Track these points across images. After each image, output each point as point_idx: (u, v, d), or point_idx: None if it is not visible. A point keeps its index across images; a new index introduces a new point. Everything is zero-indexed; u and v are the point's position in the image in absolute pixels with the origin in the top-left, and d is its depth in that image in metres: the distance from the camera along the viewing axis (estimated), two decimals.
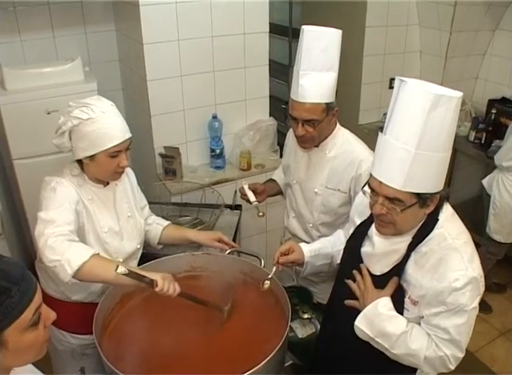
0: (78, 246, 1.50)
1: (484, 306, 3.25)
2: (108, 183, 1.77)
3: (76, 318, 1.76)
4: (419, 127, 1.22)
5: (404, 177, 1.27)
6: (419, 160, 1.25)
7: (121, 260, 1.76)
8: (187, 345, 1.58)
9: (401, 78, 1.27)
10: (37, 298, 0.95)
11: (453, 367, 1.40)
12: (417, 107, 1.22)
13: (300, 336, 1.79)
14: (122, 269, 1.40)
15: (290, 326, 1.68)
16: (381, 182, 1.31)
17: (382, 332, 1.40)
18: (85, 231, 1.68)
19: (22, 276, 0.93)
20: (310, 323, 1.83)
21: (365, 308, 1.42)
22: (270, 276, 1.69)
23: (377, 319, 1.40)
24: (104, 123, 1.60)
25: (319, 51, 1.77)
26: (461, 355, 1.39)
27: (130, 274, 1.42)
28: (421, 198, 1.30)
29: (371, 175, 1.36)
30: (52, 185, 1.62)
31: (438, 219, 1.38)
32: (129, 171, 1.92)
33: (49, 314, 1.00)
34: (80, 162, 1.68)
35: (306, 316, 1.83)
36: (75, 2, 2.90)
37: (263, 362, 1.36)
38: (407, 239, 1.40)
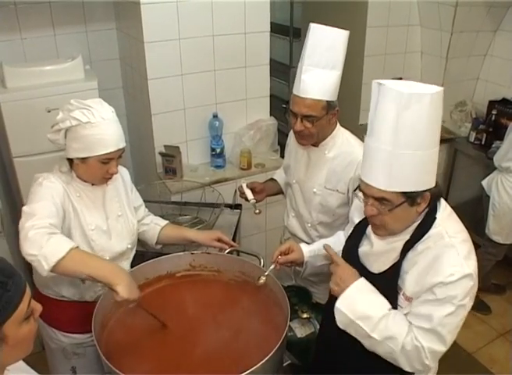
0: (56, 240, 1.47)
1: (483, 307, 3.25)
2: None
3: (68, 316, 1.77)
4: (393, 127, 1.25)
5: (387, 177, 1.29)
6: (399, 159, 1.27)
7: (107, 258, 1.75)
8: (186, 344, 1.58)
9: (378, 81, 1.30)
10: (28, 289, 0.97)
11: (428, 362, 1.34)
12: (390, 107, 1.25)
13: (299, 336, 1.79)
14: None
15: (289, 326, 1.67)
16: (367, 184, 1.34)
17: (364, 314, 1.37)
18: (71, 228, 1.67)
19: (13, 270, 0.95)
20: (309, 323, 1.83)
21: (347, 290, 1.40)
22: (266, 273, 1.69)
23: (359, 301, 1.39)
24: (102, 130, 1.60)
25: (325, 48, 1.78)
26: (440, 348, 1.33)
27: None
28: (409, 197, 1.31)
29: (360, 178, 1.39)
30: (39, 180, 1.63)
31: (435, 218, 1.38)
32: (123, 170, 1.91)
33: (36, 306, 1.02)
34: (70, 160, 1.68)
35: (305, 315, 1.83)
36: (76, 1, 2.89)
37: (262, 362, 1.36)
38: (405, 238, 1.41)
